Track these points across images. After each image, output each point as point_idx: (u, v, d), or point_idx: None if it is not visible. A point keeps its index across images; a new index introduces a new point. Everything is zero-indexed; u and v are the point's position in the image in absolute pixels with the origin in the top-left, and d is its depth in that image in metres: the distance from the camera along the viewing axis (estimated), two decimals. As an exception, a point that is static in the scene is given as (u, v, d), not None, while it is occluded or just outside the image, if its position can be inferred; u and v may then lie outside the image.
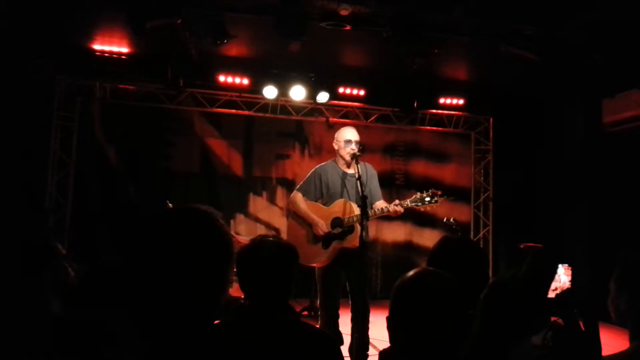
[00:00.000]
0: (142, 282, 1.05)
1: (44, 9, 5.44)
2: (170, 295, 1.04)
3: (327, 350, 1.85)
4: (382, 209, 4.06)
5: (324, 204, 4.16)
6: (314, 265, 4.07)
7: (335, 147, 4.26)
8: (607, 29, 5.31)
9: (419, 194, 4.11)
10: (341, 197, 4.10)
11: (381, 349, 1.82)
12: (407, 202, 4.05)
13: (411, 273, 1.45)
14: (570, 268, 6.78)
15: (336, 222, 4.06)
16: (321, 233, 4.03)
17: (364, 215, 3.73)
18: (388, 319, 1.43)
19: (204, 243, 1.09)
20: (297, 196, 4.21)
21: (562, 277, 6.45)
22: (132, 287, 1.09)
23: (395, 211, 4.02)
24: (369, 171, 4.24)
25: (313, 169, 4.32)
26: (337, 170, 4.21)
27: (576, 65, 5.98)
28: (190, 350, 1.07)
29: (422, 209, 4.14)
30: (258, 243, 1.95)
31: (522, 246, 7.56)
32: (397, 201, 4.09)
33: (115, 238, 7.01)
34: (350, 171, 4.17)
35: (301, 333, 1.83)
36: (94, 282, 1.75)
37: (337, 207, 4.07)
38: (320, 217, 4.08)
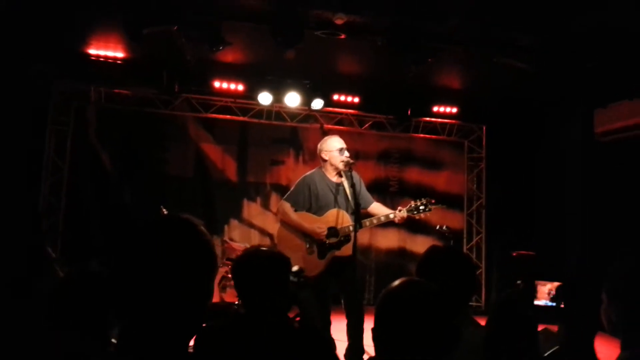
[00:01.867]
0: (126, 288, 1.08)
1: (40, 13, 5.44)
2: (154, 301, 1.07)
3: (323, 351, 1.94)
4: (387, 215, 4.07)
5: (313, 214, 4.16)
6: (308, 275, 4.08)
7: (325, 157, 4.21)
8: (601, 39, 5.38)
9: (413, 202, 4.14)
10: (332, 206, 4.10)
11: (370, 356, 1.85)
12: (404, 211, 4.09)
13: (396, 283, 1.47)
14: (558, 285, 6.84)
15: (331, 231, 4.07)
16: (321, 237, 4.03)
17: (358, 223, 3.76)
18: (373, 329, 1.45)
19: (188, 251, 1.11)
20: (286, 206, 4.18)
21: (550, 293, 6.49)
22: (115, 293, 1.11)
23: (402, 218, 4.06)
24: (357, 178, 4.25)
25: (301, 179, 4.28)
26: (326, 181, 4.19)
27: (569, 75, 6.05)
28: (179, 355, 1.10)
29: (417, 217, 4.18)
30: (253, 253, 2.04)
31: (514, 254, 7.61)
32: (400, 207, 4.12)
33: (108, 242, 7.00)
34: (339, 181, 4.17)
35: (297, 336, 1.93)
36: (71, 286, 1.79)
37: (330, 217, 4.08)
38: (313, 225, 4.08)
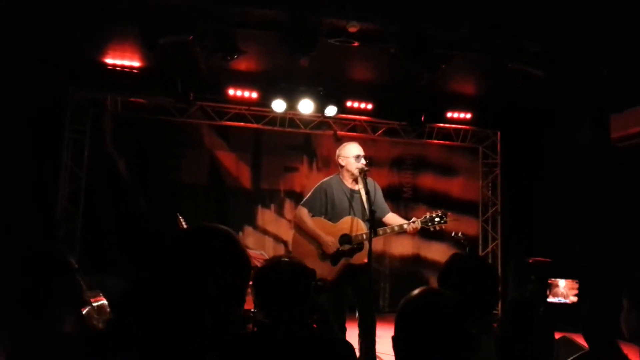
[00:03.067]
0: (168, 298, 1.11)
1: (58, 23, 5.55)
2: (193, 309, 1.09)
3: (345, 354, 1.98)
4: (401, 226, 4.07)
5: (329, 220, 4.17)
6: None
7: (342, 163, 4.23)
8: (615, 44, 5.34)
9: (428, 214, 4.14)
10: (348, 214, 4.11)
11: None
12: (419, 223, 4.08)
13: (415, 292, 1.49)
14: (577, 282, 6.72)
15: (344, 239, 4.07)
16: (331, 252, 4.04)
17: (373, 230, 3.75)
18: (393, 338, 1.46)
19: (226, 261, 1.16)
20: (303, 212, 4.20)
21: (565, 290, 6.36)
22: (160, 303, 1.14)
23: (415, 229, 4.05)
24: (374, 186, 4.26)
25: (318, 184, 4.30)
26: (342, 187, 4.20)
27: (584, 80, 6.00)
28: None
29: (431, 229, 4.17)
30: (275, 264, 2.07)
31: (530, 260, 7.53)
32: (414, 218, 4.11)
33: (125, 249, 7.08)
34: (356, 187, 4.18)
35: (319, 343, 1.98)
36: (135, 297, 1.82)
37: (344, 224, 4.09)
38: (328, 234, 4.09)
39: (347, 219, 4.09)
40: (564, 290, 6.72)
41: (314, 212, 4.18)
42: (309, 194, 4.31)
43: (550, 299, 6.49)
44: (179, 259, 1.15)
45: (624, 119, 6.54)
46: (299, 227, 4.23)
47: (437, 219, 4.08)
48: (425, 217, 4.10)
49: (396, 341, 1.45)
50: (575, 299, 6.32)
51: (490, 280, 2.07)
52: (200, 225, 1.24)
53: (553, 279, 6.64)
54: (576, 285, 6.49)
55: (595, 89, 6.24)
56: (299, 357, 1.89)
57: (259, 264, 2.36)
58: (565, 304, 6.41)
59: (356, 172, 4.12)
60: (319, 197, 4.20)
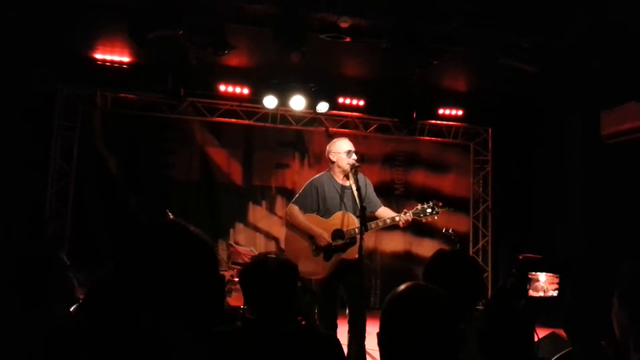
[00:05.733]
0: (134, 292, 1.09)
1: (46, 18, 5.48)
2: (163, 304, 1.07)
3: (332, 348, 1.99)
4: (393, 218, 4.05)
5: (321, 217, 4.15)
6: (315, 278, 4.08)
7: (333, 159, 4.20)
8: (606, 40, 5.35)
9: (419, 205, 4.11)
10: (338, 209, 4.10)
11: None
12: (410, 214, 4.05)
13: (401, 287, 1.46)
14: (557, 277, 6.72)
15: (337, 234, 4.06)
16: (324, 244, 4.02)
17: (363, 226, 3.73)
18: (378, 334, 1.44)
19: (183, 252, 1.12)
20: (294, 209, 4.17)
21: (545, 285, 6.33)
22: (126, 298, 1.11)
23: (407, 221, 4.03)
24: (365, 181, 4.24)
25: (309, 181, 4.28)
26: (333, 183, 4.19)
27: (575, 76, 6.02)
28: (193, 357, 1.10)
29: (423, 220, 4.14)
30: (261, 260, 2.08)
31: (520, 257, 7.56)
32: (405, 210, 4.10)
33: (115, 247, 7.01)
34: (347, 183, 4.17)
35: (305, 338, 1.99)
36: (102, 291, 1.81)
37: (336, 220, 4.07)
38: (320, 229, 4.08)
39: (338, 214, 4.08)
40: (544, 285, 6.73)
41: (305, 210, 4.15)
42: (299, 192, 4.28)
43: (531, 293, 6.50)
44: (134, 256, 1.12)
45: (614, 115, 6.56)
46: (291, 225, 4.20)
47: (428, 210, 4.06)
48: (417, 208, 4.08)
49: (381, 338, 1.43)
50: (555, 293, 6.34)
51: (473, 275, 2.07)
52: (159, 221, 1.21)
53: (533, 273, 6.61)
54: (556, 280, 6.50)
55: (586, 85, 6.26)
56: (285, 352, 1.88)
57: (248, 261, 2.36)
58: (545, 298, 6.42)
59: (347, 167, 4.10)
60: (310, 194, 4.18)
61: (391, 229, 8.05)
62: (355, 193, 3.99)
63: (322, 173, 4.31)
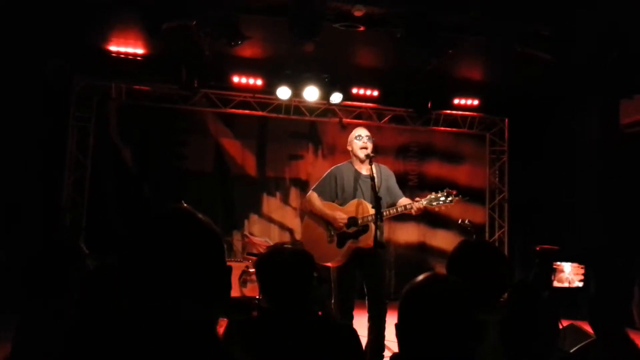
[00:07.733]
0: (138, 282, 1.08)
1: (60, 10, 5.50)
2: (166, 293, 1.06)
3: (348, 338, 1.97)
4: (405, 206, 4.02)
5: (339, 205, 4.15)
6: (330, 264, 4.07)
7: (349, 148, 4.25)
8: (625, 27, 5.24)
9: (433, 193, 4.06)
10: (355, 197, 4.09)
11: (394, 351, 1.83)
12: (423, 202, 4.01)
13: (420, 278, 1.44)
14: (582, 267, 6.63)
15: (351, 221, 4.04)
16: (341, 225, 4.02)
17: (379, 216, 3.71)
18: (397, 325, 1.42)
19: (191, 239, 1.10)
20: (313, 195, 4.21)
21: (570, 276, 6.24)
22: (131, 288, 1.10)
23: (419, 208, 3.99)
24: (385, 172, 4.22)
25: (329, 170, 4.31)
26: (352, 171, 4.19)
27: (593, 65, 5.90)
28: (199, 349, 1.07)
29: (436, 209, 4.08)
30: (278, 250, 2.07)
31: (537, 248, 7.47)
32: (418, 198, 4.07)
33: (129, 237, 7.06)
34: (365, 172, 4.15)
35: (321, 328, 1.98)
36: (99, 280, 1.82)
37: (351, 207, 4.06)
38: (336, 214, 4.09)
39: (354, 202, 4.07)
40: (569, 276, 6.63)
41: (323, 197, 4.18)
42: (319, 180, 4.30)
43: (555, 284, 6.40)
44: (141, 244, 1.11)
45: (634, 104, 6.43)
46: (309, 212, 4.23)
47: (442, 198, 3.99)
48: (431, 196, 4.02)
49: (400, 329, 1.41)
50: (580, 284, 6.23)
51: (500, 265, 2.03)
52: (167, 208, 1.18)
53: (558, 264, 6.51)
54: (582, 270, 6.40)
55: (605, 74, 6.13)
56: (301, 341, 1.87)
57: (263, 251, 2.36)
58: (570, 289, 6.32)
59: (360, 154, 4.09)
60: (329, 183, 4.21)
61: (405, 220, 8.03)
62: (374, 181, 3.96)
63: (344, 162, 4.33)
